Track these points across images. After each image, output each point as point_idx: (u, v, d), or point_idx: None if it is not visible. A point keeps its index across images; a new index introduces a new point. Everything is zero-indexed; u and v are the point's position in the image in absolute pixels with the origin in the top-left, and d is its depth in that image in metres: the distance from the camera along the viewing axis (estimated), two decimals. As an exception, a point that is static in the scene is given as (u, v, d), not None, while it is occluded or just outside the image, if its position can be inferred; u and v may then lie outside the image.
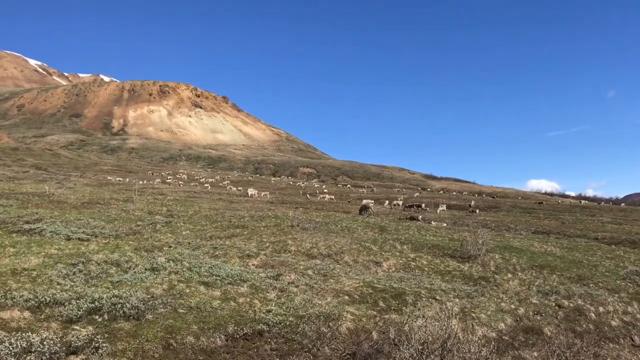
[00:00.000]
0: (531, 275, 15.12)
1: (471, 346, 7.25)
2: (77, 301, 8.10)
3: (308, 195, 58.08)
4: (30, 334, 6.59)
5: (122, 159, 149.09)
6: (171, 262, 12.15)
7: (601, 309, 11.59)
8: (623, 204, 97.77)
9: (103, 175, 67.22)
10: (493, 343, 8.37)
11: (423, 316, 8.75)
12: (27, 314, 7.61)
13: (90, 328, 7.28)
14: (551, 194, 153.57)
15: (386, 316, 9.50)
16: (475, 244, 17.14)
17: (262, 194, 51.41)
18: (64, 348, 6.41)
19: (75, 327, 7.27)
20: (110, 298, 8.27)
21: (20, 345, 6.14)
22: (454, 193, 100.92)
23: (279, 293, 10.40)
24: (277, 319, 8.51)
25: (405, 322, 8.63)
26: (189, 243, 15.59)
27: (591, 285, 13.97)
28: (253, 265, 13.32)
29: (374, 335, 8.53)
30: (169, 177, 79.03)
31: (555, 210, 54.74)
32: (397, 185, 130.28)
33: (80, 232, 15.70)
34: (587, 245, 23.38)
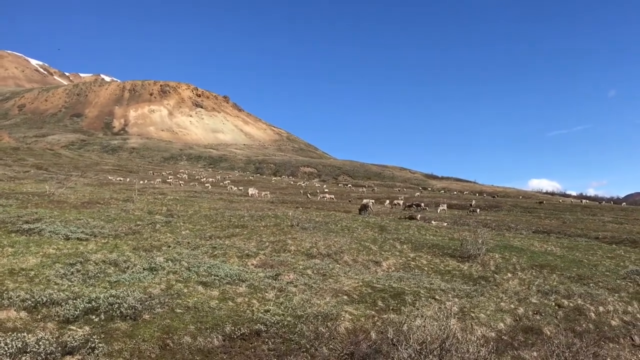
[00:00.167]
0: (531, 274, 15.07)
1: (470, 346, 7.21)
2: (74, 301, 8.06)
3: (309, 195, 58.04)
4: (26, 334, 6.56)
5: (123, 158, 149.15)
6: (170, 261, 12.12)
7: (601, 308, 11.55)
8: (624, 204, 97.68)
9: (104, 175, 67.24)
10: (492, 343, 8.33)
11: (422, 316, 8.70)
12: (23, 314, 7.58)
13: (87, 328, 7.25)
14: (552, 194, 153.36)
15: (385, 316, 9.46)
16: (475, 243, 17.10)
17: (263, 193, 51.38)
18: (59, 348, 6.37)
19: (72, 327, 7.24)
20: (108, 298, 8.24)
21: (16, 346, 6.11)
22: (455, 192, 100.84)
23: (278, 293, 10.37)
24: (275, 318, 8.47)
25: (403, 322, 8.58)
26: (188, 243, 15.56)
27: (591, 284, 13.92)
28: (252, 265, 13.29)
29: (373, 335, 8.49)
30: (169, 177, 79.04)
31: (556, 210, 54.65)
32: (398, 184, 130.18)
33: (80, 231, 15.67)
34: (587, 244, 23.31)
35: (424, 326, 7.52)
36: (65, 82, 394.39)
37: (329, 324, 8.61)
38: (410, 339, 7.25)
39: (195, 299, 9.26)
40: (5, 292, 8.42)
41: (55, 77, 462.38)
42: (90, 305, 7.94)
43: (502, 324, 9.92)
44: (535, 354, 8.73)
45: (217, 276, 10.95)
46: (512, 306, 11.22)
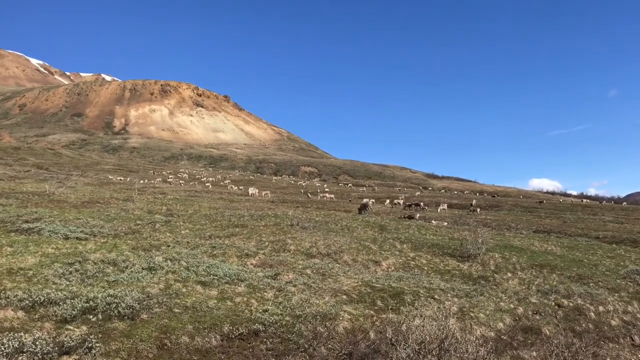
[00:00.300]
0: (531, 274, 15.04)
1: (469, 346, 7.18)
2: (72, 301, 8.04)
3: (309, 195, 58.01)
4: (22, 334, 6.54)
5: (123, 158, 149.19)
6: (169, 261, 12.10)
7: (601, 308, 11.51)
8: (625, 203, 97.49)
9: (104, 174, 67.24)
10: (491, 343, 8.30)
11: (421, 316, 8.67)
12: (20, 313, 7.56)
13: (84, 328, 7.23)
14: (553, 193, 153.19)
15: (384, 316, 9.43)
16: (475, 243, 17.07)
17: (263, 193, 51.37)
18: (56, 348, 6.35)
19: (69, 327, 7.22)
20: (106, 297, 8.21)
21: (12, 346, 6.08)
22: (456, 192, 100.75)
23: (277, 292, 10.34)
24: (273, 318, 8.45)
25: (402, 321, 8.56)
26: (188, 242, 15.54)
27: (591, 284, 13.88)
28: (251, 264, 13.27)
29: (371, 334, 8.46)
30: (170, 177, 79.04)
31: (556, 209, 54.58)
32: (398, 184, 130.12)
33: (79, 231, 15.65)
34: (587, 244, 23.28)
35: (423, 326, 7.49)
36: (66, 82, 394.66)
37: (327, 323, 8.58)
38: (409, 338, 7.22)
39: (194, 299, 9.24)
40: (3, 291, 8.40)
41: (56, 76, 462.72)
42: (88, 304, 7.92)
43: (501, 324, 9.89)
44: (534, 353, 8.70)
45: (216, 276, 10.92)
46: (512, 306, 11.19)
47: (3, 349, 6.00)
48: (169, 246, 14.60)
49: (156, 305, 8.46)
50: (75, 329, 7.14)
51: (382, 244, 17.63)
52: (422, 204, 45.37)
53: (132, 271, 10.81)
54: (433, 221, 29.94)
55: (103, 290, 8.99)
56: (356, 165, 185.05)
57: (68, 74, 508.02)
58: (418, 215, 32.58)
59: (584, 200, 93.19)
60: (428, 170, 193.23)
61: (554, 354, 7.96)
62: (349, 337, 8.25)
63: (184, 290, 9.78)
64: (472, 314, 10.12)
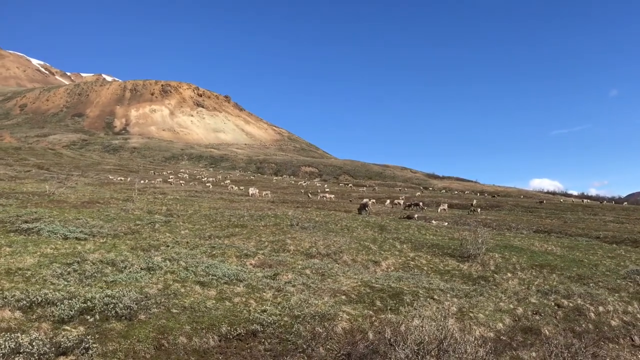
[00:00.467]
0: (531, 274, 15.00)
1: (468, 346, 7.16)
2: (70, 301, 8.01)
3: (309, 195, 57.97)
4: (19, 334, 6.51)
5: (124, 158, 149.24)
6: (168, 261, 12.07)
7: (601, 308, 11.48)
8: (625, 203, 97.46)
9: (105, 174, 67.24)
10: (490, 343, 8.27)
11: (420, 316, 8.63)
12: (18, 314, 7.53)
13: (82, 328, 7.20)
14: (554, 193, 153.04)
15: (383, 316, 9.40)
16: (475, 243, 17.03)
17: (264, 193, 51.34)
18: (53, 349, 6.33)
19: (66, 327, 7.19)
20: (103, 298, 8.19)
21: (9, 346, 6.06)
22: (456, 192, 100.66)
23: (276, 293, 10.31)
24: (271, 319, 8.42)
25: (401, 322, 8.54)
26: (187, 242, 15.52)
27: (591, 284, 13.84)
28: (251, 264, 13.24)
29: (370, 335, 8.43)
30: (170, 177, 79.04)
31: (557, 209, 54.51)
32: (399, 184, 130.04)
33: (78, 231, 15.63)
34: (588, 244, 23.23)
35: (422, 326, 7.46)
36: (66, 82, 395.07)
37: (326, 324, 8.56)
38: (407, 339, 7.20)
39: (192, 299, 9.21)
40: (1, 292, 8.38)
41: (57, 76, 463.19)
42: (85, 305, 7.89)
43: (500, 324, 9.86)
44: (534, 354, 8.68)
45: (215, 276, 10.89)
46: (511, 306, 11.15)
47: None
48: (168, 246, 14.57)
49: (154, 306, 8.43)
50: (73, 330, 7.12)
51: (382, 244, 17.60)
52: (421, 204, 45.34)
53: (130, 271, 10.78)
54: (433, 221, 29.91)
55: (101, 290, 8.96)
56: (357, 165, 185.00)
57: (69, 74, 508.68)
58: (417, 215, 32.55)
59: (585, 200, 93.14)
60: (429, 170, 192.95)
61: (553, 354, 7.93)
62: (348, 338, 8.22)
63: (182, 290, 9.76)
64: (471, 314, 10.08)
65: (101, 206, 24.12)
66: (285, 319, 8.58)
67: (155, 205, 26.34)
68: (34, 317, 7.53)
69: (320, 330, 8.29)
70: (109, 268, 11.00)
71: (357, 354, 7.61)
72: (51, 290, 8.63)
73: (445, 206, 47.49)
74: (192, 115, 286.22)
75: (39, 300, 8.00)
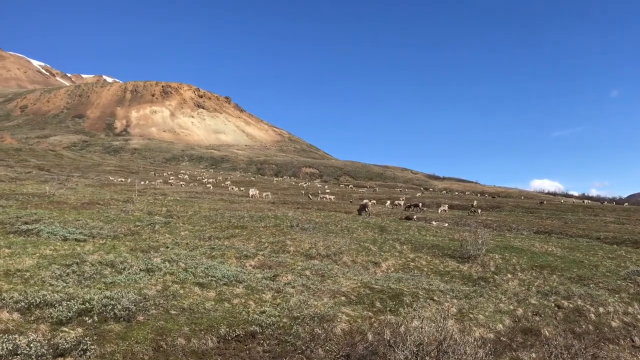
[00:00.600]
0: (531, 275, 14.96)
1: (467, 347, 7.12)
2: (68, 302, 7.99)
3: (310, 196, 57.93)
4: (17, 336, 6.50)
5: (124, 159, 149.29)
6: (167, 262, 12.05)
7: (601, 309, 11.44)
8: (626, 204, 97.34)
9: (105, 175, 67.26)
10: (490, 344, 8.23)
11: (419, 317, 8.60)
12: (16, 315, 7.52)
13: (80, 330, 7.18)
14: (554, 194, 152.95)
15: (382, 317, 9.38)
16: (475, 244, 16.99)
17: (264, 194, 51.32)
18: (51, 350, 6.31)
19: (65, 328, 7.17)
20: (102, 299, 8.17)
21: (6, 348, 6.04)
22: (457, 193, 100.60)
23: (275, 294, 10.29)
24: (270, 320, 8.40)
25: (401, 323, 8.51)
26: (187, 244, 15.50)
27: (591, 285, 13.80)
28: (250, 265, 13.22)
29: (369, 336, 8.41)
30: (171, 178, 79.06)
31: (557, 210, 54.46)
32: (399, 185, 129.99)
33: (78, 232, 15.62)
34: (588, 245, 23.18)
35: (422, 327, 7.43)
36: (67, 83, 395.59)
37: (325, 325, 8.53)
38: (407, 340, 7.17)
39: (191, 300, 9.18)
40: (-1, 293, 8.36)
41: (57, 78, 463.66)
42: (84, 306, 7.87)
43: (500, 325, 9.83)
44: (533, 355, 8.64)
45: (215, 277, 10.87)
46: (511, 307, 11.12)
47: (-3, 351, 5.96)
48: (167, 247, 14.55)
49: (153, 307, 8.41)
50: (71, 331, 7.10)
51: (382, 245, 17.57)
52: (421, 204, 45.30)
53: (129, 273, 10.76)
54: (433, 222, 29.87)
55: (100, 292, 8.94)
56: (357, 166, 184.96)
57: (69, 75, 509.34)
58: (417, 216, 32.52)
59: (585, 201, 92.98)
60: (429, 171, 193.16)
61: (553, 355, 7.90)
62: (347, 339, 8.20)
63: (181, 291, 9.74)
64: (471, 316, 10.05)
65: (101, 207, 24.12)
66: (285, 320, 8.56)
67: (155, 207, 26.33)
68: (32, 318, 7.51)
69: (320, 332, 8.26)
70: (108, 269, 10.99)
71: (356, 355, 7.59)
72: (50, 292, 8.61)
73: (446, 207, 47.46)
74: (192, 117, 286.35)
75: (38, 301, 7.98)
